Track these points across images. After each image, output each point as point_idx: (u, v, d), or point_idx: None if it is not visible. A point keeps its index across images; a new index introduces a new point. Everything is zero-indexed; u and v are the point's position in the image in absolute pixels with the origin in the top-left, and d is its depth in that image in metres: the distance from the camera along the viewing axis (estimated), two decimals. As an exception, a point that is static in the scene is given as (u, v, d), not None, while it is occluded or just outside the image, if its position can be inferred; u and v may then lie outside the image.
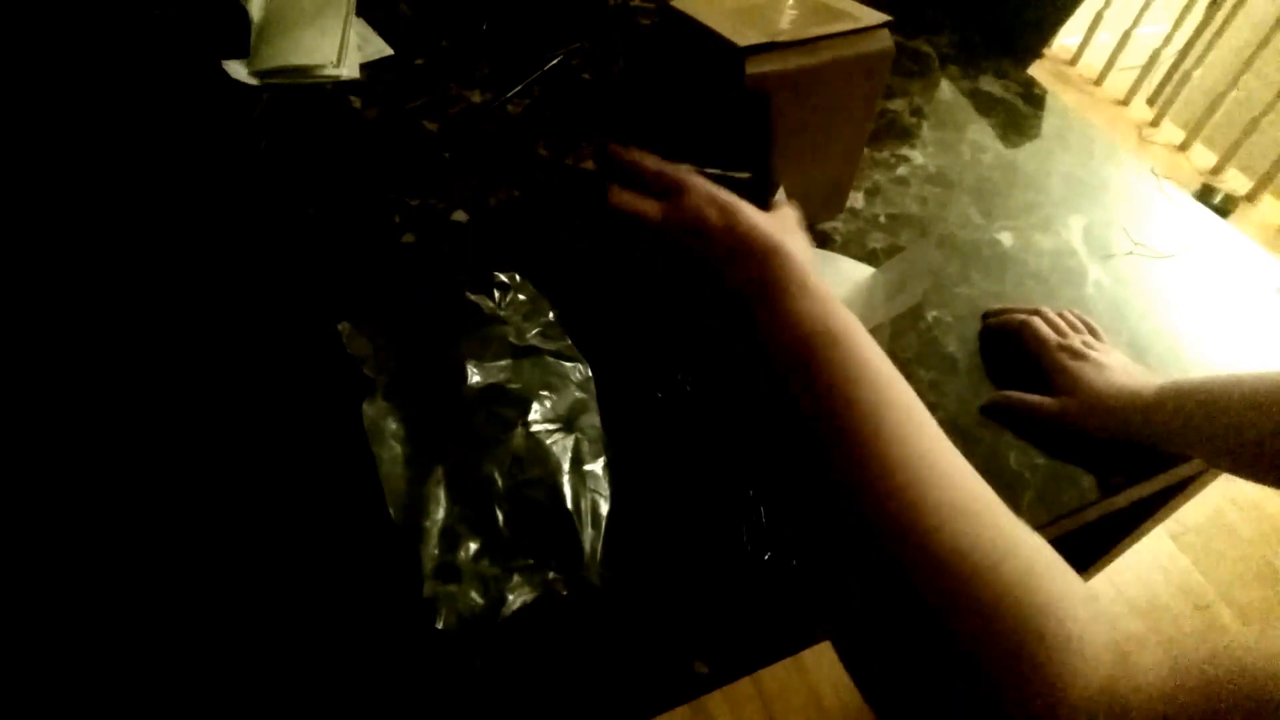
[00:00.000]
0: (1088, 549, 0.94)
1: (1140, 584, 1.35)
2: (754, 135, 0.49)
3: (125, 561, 0.48)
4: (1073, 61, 2.32)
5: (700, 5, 0.61)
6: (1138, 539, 0.88)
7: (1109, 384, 0.57)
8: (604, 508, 0.50)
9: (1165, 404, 0.53)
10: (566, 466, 0.50)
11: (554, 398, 0.53)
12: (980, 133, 0.87)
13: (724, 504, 0.52)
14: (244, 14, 0.90)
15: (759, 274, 0.42)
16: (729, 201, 0.44)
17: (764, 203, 0.47)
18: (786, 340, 0.40)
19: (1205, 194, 1.94)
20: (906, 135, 0.85)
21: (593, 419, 0.54)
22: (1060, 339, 0.61)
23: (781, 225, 0.45)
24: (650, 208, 0.45)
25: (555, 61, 0.90)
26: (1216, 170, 2.03)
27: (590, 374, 0.56)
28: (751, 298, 0.42)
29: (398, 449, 0.51)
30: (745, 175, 0.48)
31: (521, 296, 0.59)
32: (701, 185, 0.45)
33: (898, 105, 0.89)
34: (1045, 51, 1.08)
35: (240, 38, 0.88)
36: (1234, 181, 2.02)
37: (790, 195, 0.67)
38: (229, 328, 0.61)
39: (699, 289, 0.45)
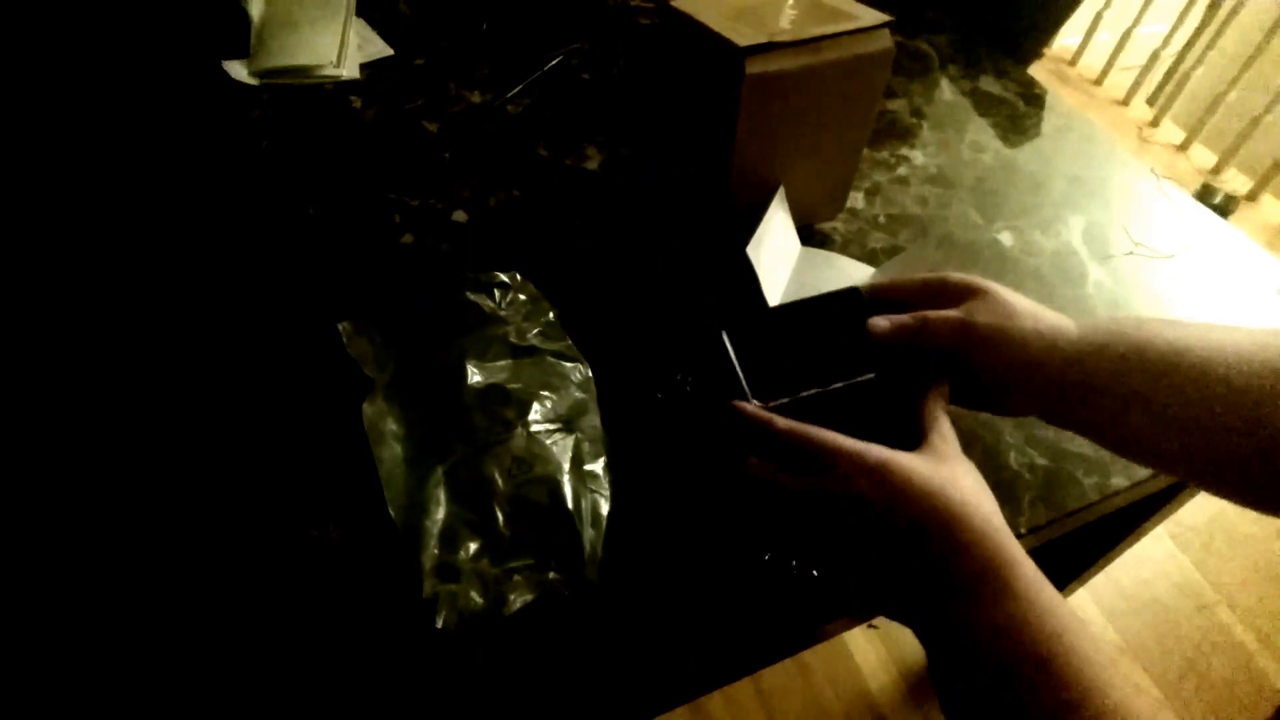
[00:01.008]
0: (1088, 549, 0.94)
1: (1140, 584, 1.35)
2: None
3: (125, 561, 0.48)
4: (1073, 61, 2.32)
5: (700, 5, 0.61)
6: (1138, 539, 0.88)
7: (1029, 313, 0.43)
8: (604, 508, 0.50)
9: (1100, 354, 0.40)
10: (567, 466, 0.50)
11: (554, 398, 0.53)
12: (980, 133, 0.87)
13: (724, 504, 0.52)
14: (244, 14, 0.90)
15: (937, 553, 0.35)
16: (881, 464, 0.36)
17: (916, 397, 0.42)
18: (977, 656, 0.33)
19: (1205, 194, 1.94)
20: (906, 135, 0.85)
21: (593, 419, 0.54)
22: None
23: (945, 467, 0.37)
24: (792, 482, 0.39)
25: (555, 61, 0.90)
26: (1216, 170, 2.03)
27: (590, 374, 0.56)
28: (929, 589, 0.35)
29: (398, 449, 0.51)
30: (869, 376, 0.44)
31: (521, 296, 0.59)
32: (848, 452, 0.37)
33: (898, 105, 0.89)
34: (1045, 51, 1.08)
35: (240, 38, 0.88)
36: (1234, 181, 2.02)
37: (790, 195, 0.68)
38: (229, 327, 0.61)
39: (864, 568, 0.39)
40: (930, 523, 0.35)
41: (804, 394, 0.43)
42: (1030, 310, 0.43)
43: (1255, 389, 0.36)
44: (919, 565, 0.35)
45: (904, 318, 0.44)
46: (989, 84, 0.94)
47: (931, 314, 0.44)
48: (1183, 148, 2.10)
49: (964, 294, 0.44)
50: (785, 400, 0.42)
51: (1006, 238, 0.75)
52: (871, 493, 0.36)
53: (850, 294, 0.47)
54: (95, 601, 0.47)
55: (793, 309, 0.47)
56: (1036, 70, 1.00)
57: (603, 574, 0.48)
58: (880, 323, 0.45)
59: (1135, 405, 0.39)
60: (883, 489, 0.36)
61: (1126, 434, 0.40)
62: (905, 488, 0.35)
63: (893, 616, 0.39)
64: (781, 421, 0.39)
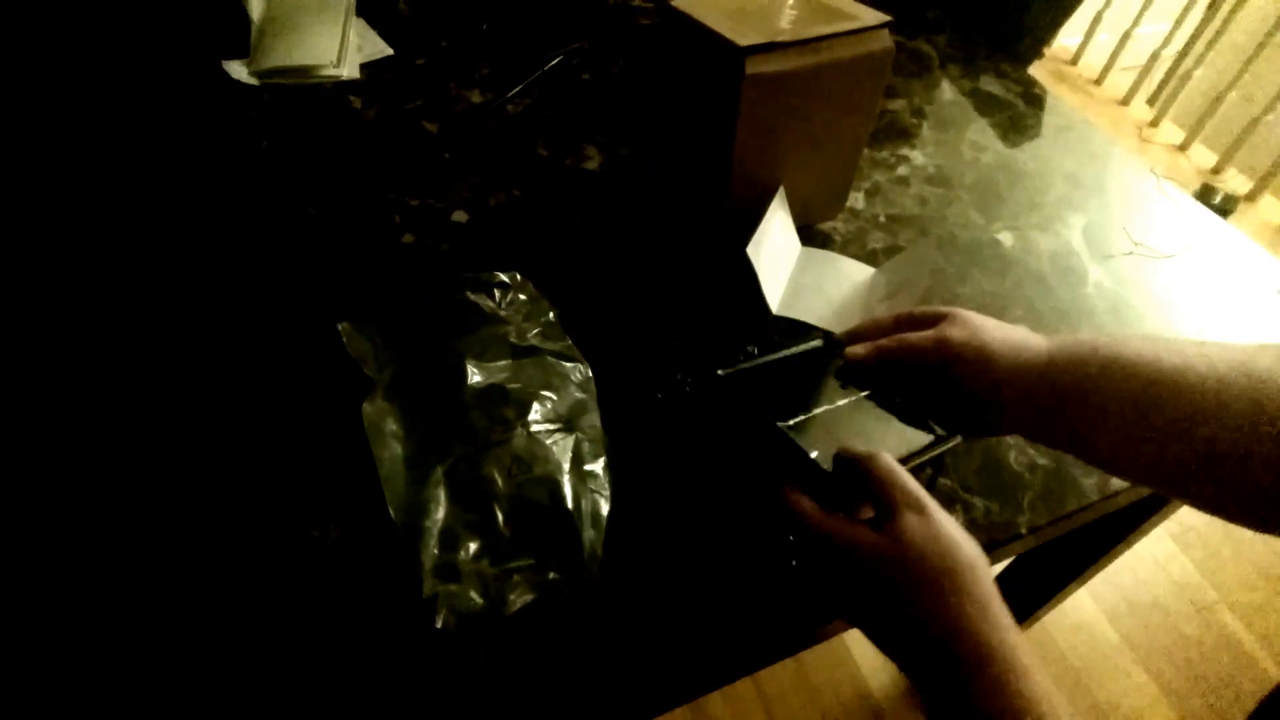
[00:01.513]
0: (1088, 549, 0.94)
1: (1140, 584, 1.35)
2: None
3: (125, 561, 0.48)
4: (1073, 61, 2.32)
5: (700, 5, 0.61)
6: (1138, 539, 0.88)
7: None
8: (604, 508, 0.50)
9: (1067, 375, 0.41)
10: (567, 467, 0.50)
11: (554, 398, 0.53)
12: (980, 133, 0.87)
13: (724, 504, 0.52)
14: (244, 14, 0.90)
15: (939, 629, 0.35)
16: (948, 536, 0.36)
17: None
18: None
19: (1205, 194, 1.94)
20: (906, 135, 0.85)
21: (593, 419, 0.54)
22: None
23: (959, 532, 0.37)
24: (861, 535, 0.37)
25: (555, 61, 0.90)
26: (1216, 170, 2.03)
27: (590, 374, 0.56)
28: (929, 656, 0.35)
29: (398, 449, 0.51)
30: (864, 394, 0.46)
31: (521, 296, 0.59)
32: (919, 513, 0.37)
33: (898, 105, 0.89)
34: (1045, 51, 1.08)
35: (240, 38, 0.88)
36: (1234, 181, 2.02)
37: (790, 195, 0.68)
38: (229, 327, 0.61)
39: (866, 618, 0.39)
40: (938, 594, 0.35)
41: (816, 412, 0.44)
42: (997, 325, 0.45)
43: (1224, 401, 0.36)
44: (920, 634, 0.36)
45: (882, 341, 0.47)
46: (989, 84, 0.94)
47: (908, 334, 0.46)
48: (1183, 148, 2.10)
49: (934, 319, 0.46)
50: (802, 417, 0.44)
51: (1006, 238, 0.75)
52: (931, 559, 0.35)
53: (822, 344, 0.50)
54: (96, 601, 0.47)
55: (769, 361, 0.50)
56: (1036, 70, 1.00)
57: (603, 574, 0.48)
58: (857, 350, 0.47)
59: (1106, 416, 0.40)
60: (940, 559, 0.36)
61: (1105, 448, 0.41)
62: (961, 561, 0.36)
63: (890, 657, 0.39)
64: (887, 473, 0.39)
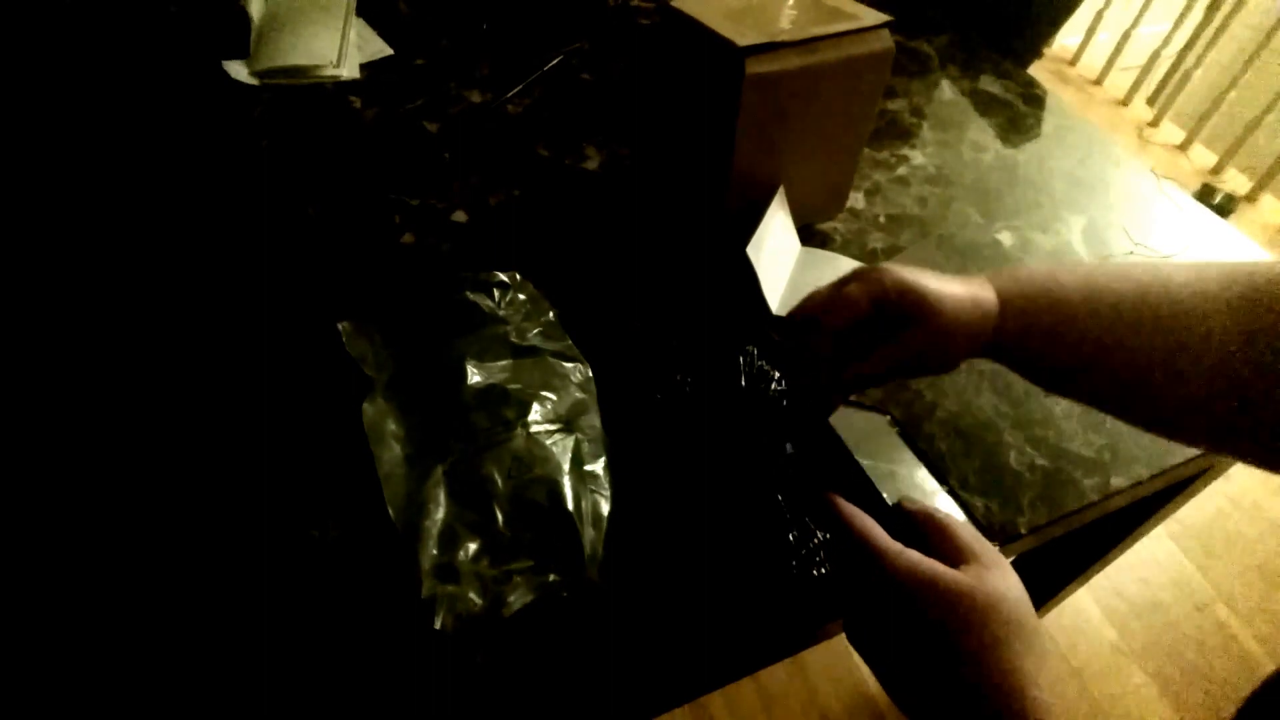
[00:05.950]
0: (1088, 549, 0.94)
1: (1140, 584, 1.35)
2: None
3: (125, 561, 0.48)
4: (1073, 61, 2.32)
5: (700, 5, 0.61)
6: (1138, 539, 0.88)
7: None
8: (604, 508, 0.50)
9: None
10: (567, 467, 0.50)
11: (554, 398, 0.53)
12: (980, 133, 0.87)
13: (724, 505, 0.52)
14: (244, 14, 0.90)
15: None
16: (1019, 592, 0.36)
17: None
18: None
19: (1205, 194, 1.94)
20: (906, 135, 0.85)
21: (593, 419, 0.54)
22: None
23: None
24: (942, 569, 0.36)
25: (555, 61, 0.90)
26: (1216, 170, 2.03)
27: (590, 374, 0.56)
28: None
29: (398, 449, 0.51)
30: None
31: (521, 296, 0.59)
32: (995, 566, 0.36)
33: (898, 105, 0.89)
34: (1045, 51, 1.08)
35: (240, 38, 0.88)
36: (1234, 181, 2.02)
37: (790, 195, 0.68)
38: (229, 327, 0.61)
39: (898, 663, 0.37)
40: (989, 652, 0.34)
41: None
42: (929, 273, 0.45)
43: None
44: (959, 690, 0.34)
45: (819, 296, 0.46)
46: (989, 84, 0.94)
47: (844, 288, 0.45)
48: (1183, 148, 2.10)
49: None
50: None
51: (1006, 238, 0.75)
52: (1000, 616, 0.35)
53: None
54: (95, 601, 0.47)
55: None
56: (1036, 70, 1.00)
57: (603, 574, 0.48)
58: (801, 315, 0.46)
59: (1056, 344, 0.43)
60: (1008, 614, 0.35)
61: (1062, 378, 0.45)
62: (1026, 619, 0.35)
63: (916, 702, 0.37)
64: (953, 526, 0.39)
